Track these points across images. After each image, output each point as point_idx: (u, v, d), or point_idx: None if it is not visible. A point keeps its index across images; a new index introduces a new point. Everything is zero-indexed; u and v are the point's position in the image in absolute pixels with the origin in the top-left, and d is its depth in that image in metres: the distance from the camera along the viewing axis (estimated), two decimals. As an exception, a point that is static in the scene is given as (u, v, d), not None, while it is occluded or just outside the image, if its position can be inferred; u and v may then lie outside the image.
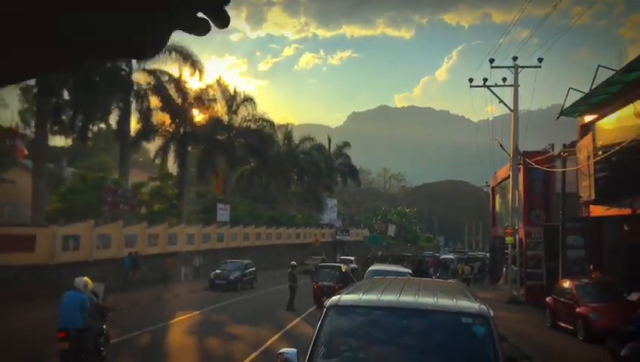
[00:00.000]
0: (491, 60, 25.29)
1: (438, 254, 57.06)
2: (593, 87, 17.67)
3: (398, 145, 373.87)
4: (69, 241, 19.98)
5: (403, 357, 4.84)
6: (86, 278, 8.80)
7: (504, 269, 30.13)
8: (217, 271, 26.40)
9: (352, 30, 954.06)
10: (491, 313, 4.70)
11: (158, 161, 37.57)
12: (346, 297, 5.21)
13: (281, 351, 4.88)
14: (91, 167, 46.74)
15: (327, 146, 63.66)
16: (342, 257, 39.95)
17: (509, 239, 24.75)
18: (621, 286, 15.49)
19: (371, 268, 19.16)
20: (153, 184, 31.13)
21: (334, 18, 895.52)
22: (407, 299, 5.08)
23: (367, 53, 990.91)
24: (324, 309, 5.04)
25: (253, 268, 28.46)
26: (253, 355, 11.05)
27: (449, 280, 16.28)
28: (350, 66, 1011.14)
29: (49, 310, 15.46)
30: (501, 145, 25.57)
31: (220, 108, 40.14)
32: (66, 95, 24.66)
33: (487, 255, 43.37)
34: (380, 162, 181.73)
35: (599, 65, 17.10)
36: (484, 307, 4.82)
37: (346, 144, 66.67)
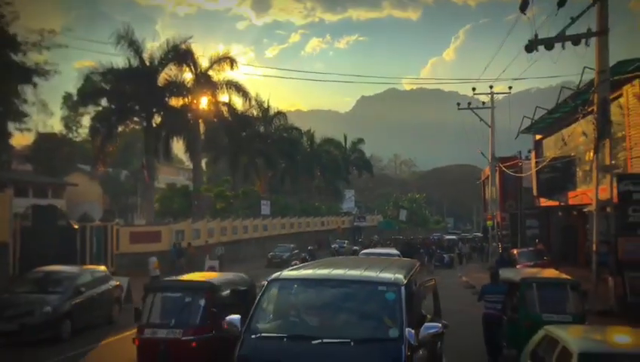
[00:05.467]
0: (473, 88, 33.60)
1: (444, 235, 65.35)
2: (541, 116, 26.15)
3: (408, 129, 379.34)
4: (178, 234, 28.98)
5: (329, 317, 5.86)
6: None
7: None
8: (272, 253, 35.25)
9: (358, 13, 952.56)
10: (405, 282, 5.84)
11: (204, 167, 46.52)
12: (287, 273, 6.42)
13: (227, 318, 5.83)
14: (139, 169, 55.50)
15: (343, 143, 72.44)
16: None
17: (489, 223, 33.46)
18: (546, 253, 23.82)
19: (363, 251, 22.48)
20: (216, 188, 40.06)
21: (340, 1, 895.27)
22: (336, 272, 6.34)
23: (374, 36, 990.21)
24: (266, 282, 6.14)
25: (297, 250, 37.34)
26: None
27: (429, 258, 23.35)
28: (357, 50, 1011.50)
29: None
30: (482, 153, 34.06)
31: (256, 120, 49.02)
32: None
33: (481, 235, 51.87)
34: (390, 146, 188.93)
35: (537, 107, 25.54)
36: (399, 277, 5.97)
37: (360, 140, 75.23)
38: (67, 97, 55.52)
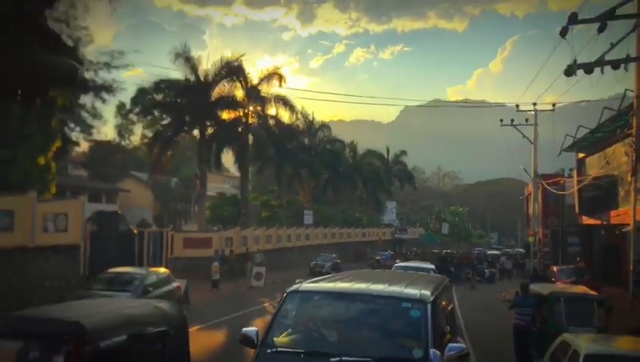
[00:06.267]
0: (517, 105, 34.00)
1: (486, 250, 64.85)
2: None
3: (452, 140, 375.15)
4: (227, 241, 30.60)
5: (349, 333, 5.62)
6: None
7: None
8: (314, 262, 36.38)
9: (403, 24, 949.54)
10: (431, 299, 5.53)
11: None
12: (306, 285, 6.17)
13: (243, 329, 5.54)
14: (188, 177, 57.75)
15: (385, 155, 73.28)
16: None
17: (531, 239, 33.66)
18: (587, 271, 23.98)
19: (397, 264, 22.33)
20: (261, 197, 41.69)
21: (385, 12, 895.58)
22: (359, 286, 6.06)
23: (419, 46, 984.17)
24: (285, 294, 5.91)
25: (339, 260, 38.41)
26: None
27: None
28: (402, 60, 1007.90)
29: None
30: (525, 170, 34.32)
31: (302, 133, 50.60)
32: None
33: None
34: (433, 157, 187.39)
35: (579, 126, 25.81)
36: (426, 294, 5.63)
37: (403, 152, 75.85)
38: (121, 106, 58.72)
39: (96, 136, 48.40)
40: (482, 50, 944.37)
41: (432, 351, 5.04)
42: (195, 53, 32.11)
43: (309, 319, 5.84)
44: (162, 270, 16.02)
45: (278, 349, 5.32)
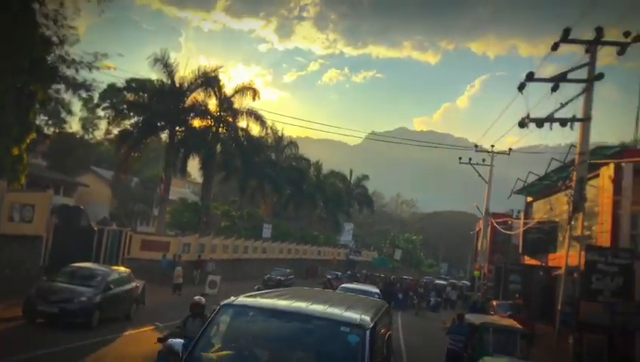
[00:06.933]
0: (476, 145, 35.90)
1: (434, 279, 66.69)
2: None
3: (414, 169, 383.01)
4: (185, 247, 30.98)
5: (281, 354, 5.33)
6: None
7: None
8: (268, 275, 37.05)
9: (378, 50, 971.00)
10: (371, 326, 5.25)
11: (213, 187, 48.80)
12: (242, 299, 5.77)
13: (169, 341, 5.58)
14: (149, 178, 57.58)
15: (348, 177, 74.91)
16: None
17: (476, 273, 35.37)
18: (523, 308, 25.63)
19: (342, 285, 22.20)
20: (222, 206, 42.19)
21: (362, 37, 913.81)
22: (297, 305, 5.73)
23: (391, 74, 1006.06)
24: (218, 306, 5.61)
25: (292, 276, 39.18)
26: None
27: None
28: (373, 86, 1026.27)
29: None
30: (477, 207, 36.15)
31: (269, 148, 51.47)
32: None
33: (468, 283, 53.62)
34: (394, 184, 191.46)
35: (529, 172, 27.72)
36: (366, 319, 5.37)
37: (365, 177, 77.67)
38: (88, 100, 58.26)
39: (60, 128, 48.02)
40: (451, 85, 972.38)
41: None
42: (170, 55, 32.71)
43: (240, 335, 5.56)
44: (123, 269, 16.56)
45: None
